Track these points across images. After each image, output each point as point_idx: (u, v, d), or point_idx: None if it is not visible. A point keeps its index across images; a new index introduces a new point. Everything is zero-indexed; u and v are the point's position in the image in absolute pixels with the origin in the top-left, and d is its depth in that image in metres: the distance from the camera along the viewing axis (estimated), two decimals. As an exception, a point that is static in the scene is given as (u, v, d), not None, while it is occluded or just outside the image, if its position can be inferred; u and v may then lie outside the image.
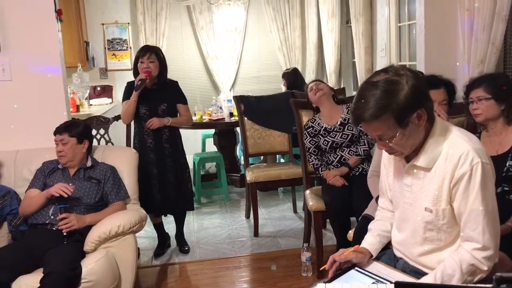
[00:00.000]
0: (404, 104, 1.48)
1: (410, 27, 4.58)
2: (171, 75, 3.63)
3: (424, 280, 1.58)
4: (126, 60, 6.47)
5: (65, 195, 2.57)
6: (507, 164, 2.26)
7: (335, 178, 3.16)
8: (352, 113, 1.55)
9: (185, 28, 6.84)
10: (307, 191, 3.39)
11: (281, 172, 4.08)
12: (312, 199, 3.23)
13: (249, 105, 4.34)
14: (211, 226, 4.28)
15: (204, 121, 5.25)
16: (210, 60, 6.84)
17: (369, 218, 2.24)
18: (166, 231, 3.82)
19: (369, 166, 2.78)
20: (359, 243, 1.86)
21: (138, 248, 3.40)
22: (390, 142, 1.54)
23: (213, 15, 6.70)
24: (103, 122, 3.92)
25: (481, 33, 3.07)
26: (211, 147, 5.98)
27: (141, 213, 2.76)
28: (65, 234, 2.52)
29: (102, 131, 3.92)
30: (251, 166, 4.32)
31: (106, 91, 6.28)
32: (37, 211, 2.68)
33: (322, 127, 3.33)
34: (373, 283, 1.64)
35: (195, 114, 5.18)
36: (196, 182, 4.95)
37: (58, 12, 3.12)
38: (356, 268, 1.74)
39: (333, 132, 3.28)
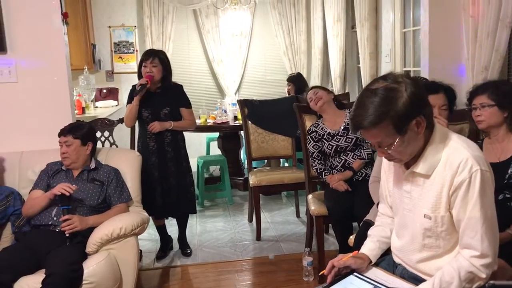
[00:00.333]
0: (403, 112, 1.49)
1: (415, 33, 4.58)
2: (177, 78, 3.65)
3: (422, 286, 1.57)
4: (132, 63, 6.51)
5: (67, 194, 2.59)
6: (509, 171, 2.26)
7: (339, 182, 3.16)
8: (351, 121, 1.56)
9: (191, 31, 6.88)
10: (310, 196, 3.39)
11: (284, 176, 4.09)
12: (314, 204, 3.23)
13: (253, 109, 4.35)
14: (213, 229, 4.29)
15: (209, 124, 5.27)
16: (216, 63, 6.86)
17: (370, 224, 2.24)
18: (169, 234, 3.83)
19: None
20: (360, 248, 1.87)
21: (140, 250, 3.43)
22: (389, 149, 1.55)
23: (219, 19, 6.73)
24: (107, 124, 3.96)
25: (485, 40, 3.07)
26: (215, 150, 6.00)
27: (143, 216, 2.77)
28: (67, 235, 2.53)
29: (106, 133, 3.96)
30: (254, 169, 4.33)
31: (112, 93, 6.32)
32: (40, 212, 2.69)
33: (325, 131, 3.33)
34: (371, 288, 1.64)
35: (199, 117, 5.20)
36: (199, 185, 4.96)
37: (64, 15, 3.15)
38: (355, 273, 1.74)
39: (337, 137, 3.29)
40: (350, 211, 2.99)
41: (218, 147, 5.65)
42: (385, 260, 1.84)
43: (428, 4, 3.44)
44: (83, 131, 2.86)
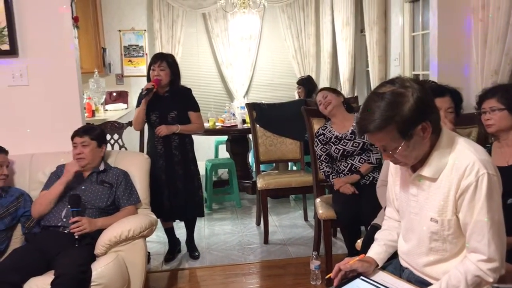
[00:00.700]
0: (408, 117, 1.49)
1: (424, 37, 4.57)
2: (186, 81, 3.67)
3: (429, 290, 1.58)
4: (142, 67, 6.55)
5: (79, 168, 2.74)
6: (518, 175, 2.24)
7: (345, 186, 3.16)
8: (357, 124, 1.57)
9: (200, 35, 6.91)
10: (317, 200, 3.39)
11: (292, 179, 4.09)
12: (322, 208, 3.23)
13: (261, 112, 4.36)
14: (221, 232, 4.30)
15: (217, 127, 5.29)
16: (225, 67, 6.89)
17: (378, 228, 2.23)
18: (177, 236, 3.85)
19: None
20: (367, 252, 1.87)
21: (149, 253, 3.44)
22: (394, 153, 1.56)
23: (228, 23, 6.77)
24: (117, 127, 3.99)
25: (495, 44, 3.05)
26: (223, 154, 6.02)
27: (152, 218, 2.79)
28: (76, 237, 2.55)
29: (116, 136, 3.99)
30: (263, 173, 4.34)
31: (122, 96, 6.38)
32: (49, 213, 2.72)
33: (333, 135, 3.32)
34: (378, 292, 1.64)
35: (208, 120, 5.22)
36: (208, 188, 4.98)
37: (75, 19, 3.19)
38: (362, 277, 1.74)
39: (345, 140, 3.28)
40: (358, 215, 2.99)
41: (227, 150, 5.66)
42: (392, 263, 1.84)
43: (437, 8, 3.43)
44: (98, 133, 2.90)
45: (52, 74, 3.15)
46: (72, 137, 2.87)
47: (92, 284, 2.40)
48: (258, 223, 4.43)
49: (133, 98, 6.29)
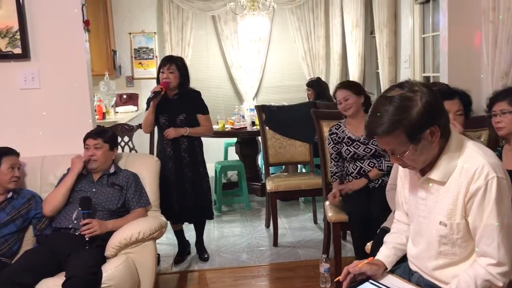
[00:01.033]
0: (416, 121, 1.49)
1: (434, 39, 4.55)
2: (195, 84, 3.69)
3: (438, 294, 1.57)
4: (152, 69, 6.59)
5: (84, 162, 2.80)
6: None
7: (332, 193, 3.18)
8: (366, 127, 1.57)
9: (210, 37, 6.94)
10: (327, 202, 3.37)
11: (301, 182, 4.09)
12: (331, 210, 3.22)
13: (270, 115, 4.36)
14: (231, 235, 4.30)
15: (227, 129, 5.30)
16: (234, 69, 6.91)
17: (387, 231, 2.22)
18: (187, 239, 3.86)
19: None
20: (376, 255, 1.86)
21: (158, 255, 3.46)
22: (402, 156, 1.56)
23: (237, 25, 6.79)
24: (127, 129, 4.02)
25: (505, 46, 3.03)
26: (233, 156, 6.03)
27: (162, 220, 2.80)
28: (87, 239, 2.58)
29: (126, 139, 4.02)
30: (272, 175, 4.34)
31: (132, 99, 6.42)
32: (60, 215, 2.75)
33: (346, 135, 3.27)
34: (387, 296, 1.64)
35: (217, 122, 5.23)
36: (217, 190, 4.99)
37: (86, 23, 3.22)
38: (371, 280, 1.74)
39: (358, 143, 3.23)
40: (369, 216, 2.98)
41: (236, 153, 5.67)
42: (401, 267, 1.84)
43: (447, 9, 3.42)
44: (110, 136, 2.93)
45: (64, 77, 3.18)
46: (85, 139, 2.90)
47: (102, 285, 2.42)
48: (267, 226, 4.43)
49: (143, 101, 6.31)
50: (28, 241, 2.83)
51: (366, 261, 1.79)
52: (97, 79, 5.42)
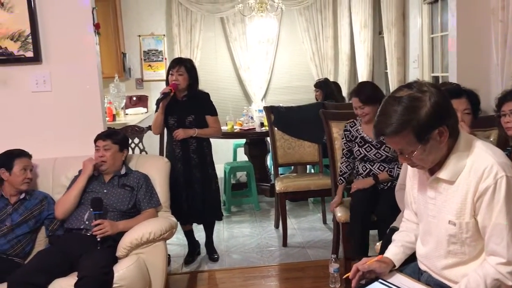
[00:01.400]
0: (425, 121, 1.50)
1: (443, 38, 4.54)
2: (204, 85, 3.71)
3: (447, 294, 1.58)
4: (161, 71, 6.62)
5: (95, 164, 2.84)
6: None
7: (335, 203, 3.25)
8: (375, 127, 1.59)
9: (218, 39, 6.97)
10: (336, 203, 3.39)
11: (310, 182, 4.09)
12: (340, 211, 3.23)
13: (279, 115, 4.37)
14: (240, 235, 4.32)
15: (236, 130, 5.32)
16: (243, 70, 6.93)
17: (397, 230, 2.23)
18: (196, 239, 3.89)
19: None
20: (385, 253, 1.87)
21: (169, 255, 3.48)
22: (410, 156, 1.57)
23: (246, 27, 6.81)
24: (137, 131, 4.06)
25: (515, 45, 3.03)
26: (242, 157, 6.05)
27: (172, 221, 2.83)
28: (99, 239, 2.60)
29: (136, 140, 4.05)
30: (281, 176, 4.35)
31: (142, 101, 6.46)
32: (72, 215, 2.79)
33: (359, 135, 3.24)
34: (396, 295, 1.64)
35: (226, 124, 5.26)
36: (226, 191, 5.01)
37: (96, 26, 3.25)
38: (380, 280, 1.75)
39: (369, 146, 3.20)
40: (370, 213, 3.00)
41: (245, 153, 5.69)
42: (410, 266, 1.84)
43: (456, 9, 3.41)
44: (120, 138, 2.96)
45: (74, 80, 3.22)
46: (95, 140, 2.94)
47: (114, 285, 2.45)
48: (276, 226, 4.45)
49: (152, 102, 6.34)
50: (41, 242, 2.87)
51: (375, 258, 1.80)
52: (107, 81, 5.47)
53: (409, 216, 1.92)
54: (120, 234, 2.68)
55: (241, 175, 5.99)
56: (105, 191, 2.85)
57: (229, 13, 6.70)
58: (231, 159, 6.32)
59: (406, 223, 1.93)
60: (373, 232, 3.13)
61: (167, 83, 3.54)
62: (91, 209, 2.70)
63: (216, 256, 3.78)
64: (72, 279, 2.41)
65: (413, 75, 5.06)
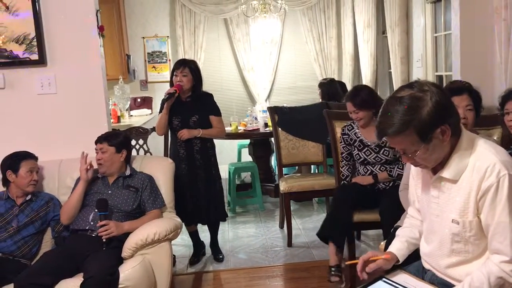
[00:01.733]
0: (427, 121, 1.50)
1: (446, 37, 4.54)
2: (208, 86, 3.72)
3: (451, 292, 1.58)
4: (166, 72, 6.65)
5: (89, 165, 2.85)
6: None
7: None
8: (377, 127, 1.60)
9: (222, 40, 6.99)
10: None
11: (314, 182, 4.10)
12: (344, 210, 3.23)
13: (283, 116, 4.38)
14: (245, 235, 4.33)
15: (240, 131, 5.33)
16: (246, 71, 6.95)
17: (401, 230, 2.24)
18: (201, 240, 3.90)
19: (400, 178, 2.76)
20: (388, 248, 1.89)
21: (174, 256, 3.50)
22: (413, 156, 1.57)
23: (249, 28, 6.82)
24: (142, 132, 4.08)
25: (519, 43, 3.02)
26: (246, 157, 6.06)
27: (177, 221, 2.84)
28: (104, 240, 2.62)
29: (141, 141, 4.08)
30: (285, 176, 4.36)
31: (146, 102, 6.49)
32: (77, 217, 2.81)
33: (358, 138, 3.23)
34: (401, 294, 1.65)
35: (230, 124, 5.27)
36: (231, 191, 5.02)
37: (100, 29, 3.27)
38: (384, 279, 1.75)
39: (369, 150, 3.18)
40: (355, 201, 3.05)
41: (249, 154, 5.70)
42: (414, 265, 1.85)
43: (459, 8, 3.40)
44: (118, 139, 2.96)
45: (79, 82, 3.24)
46: (95, 143, 2.96)
47: (119, 286, 2.46)
48: (281, 226, 4.45)
49: (157, 104, 6.35)
50: (47, 243, 2.90)
51: (383, 256, 1.80)
52: (111, 83, 5.49)
53: (412, 213, 1.94)
54: (126, 235, 2.69)
55: (246, 176, 6.00)
56: (109, 192, 2.87)
57: (233, 14, 6.72)
58: (235, 160, 6.34)
59: (410, 219, 1.94)
60: (376, 232, 3.14)
61: (171, 85, 3.56)
62: (96, 210, 2.72)
63: (221, 256, 3.79)
64: (78, 280, 2.43)
65: (417, 74, 5.05)
